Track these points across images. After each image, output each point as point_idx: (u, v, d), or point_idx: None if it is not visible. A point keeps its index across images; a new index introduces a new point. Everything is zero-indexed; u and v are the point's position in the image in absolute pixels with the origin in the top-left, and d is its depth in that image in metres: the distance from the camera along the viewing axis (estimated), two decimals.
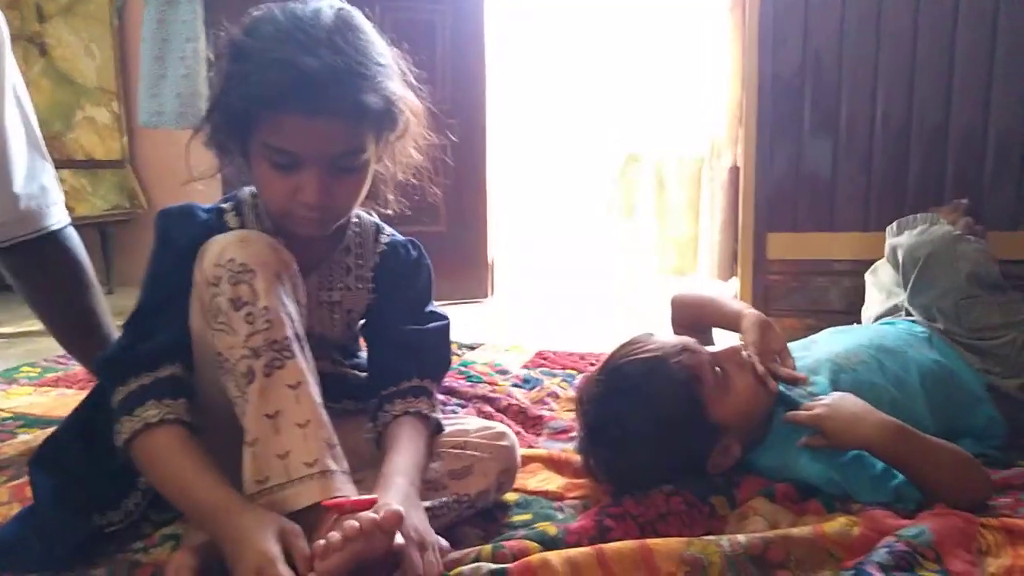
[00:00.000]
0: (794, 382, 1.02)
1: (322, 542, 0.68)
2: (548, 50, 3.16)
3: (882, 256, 1.82)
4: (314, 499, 0.74)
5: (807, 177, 1.99)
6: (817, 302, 1.99)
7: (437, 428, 0.94)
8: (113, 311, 1.31)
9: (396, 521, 0.70)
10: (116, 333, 1.30)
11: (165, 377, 0.82)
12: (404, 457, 0.86)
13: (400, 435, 0.89)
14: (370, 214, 1.04)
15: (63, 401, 1.55)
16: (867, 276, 1.58)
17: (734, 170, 2.48)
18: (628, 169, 3.11)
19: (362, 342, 1.07)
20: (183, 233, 0.89)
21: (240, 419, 0.78)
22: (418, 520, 0.78)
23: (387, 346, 0.99)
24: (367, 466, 0.91)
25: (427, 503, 0.85)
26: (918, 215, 1.38)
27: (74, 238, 1.28)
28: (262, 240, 0.84)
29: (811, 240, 2.00)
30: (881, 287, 1.49)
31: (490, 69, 2.86)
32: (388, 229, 1.04)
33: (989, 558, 0.79)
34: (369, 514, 0.69)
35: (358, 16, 0.86)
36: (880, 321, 1.36)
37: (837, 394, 0.99)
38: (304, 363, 0.80)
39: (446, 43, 2.75)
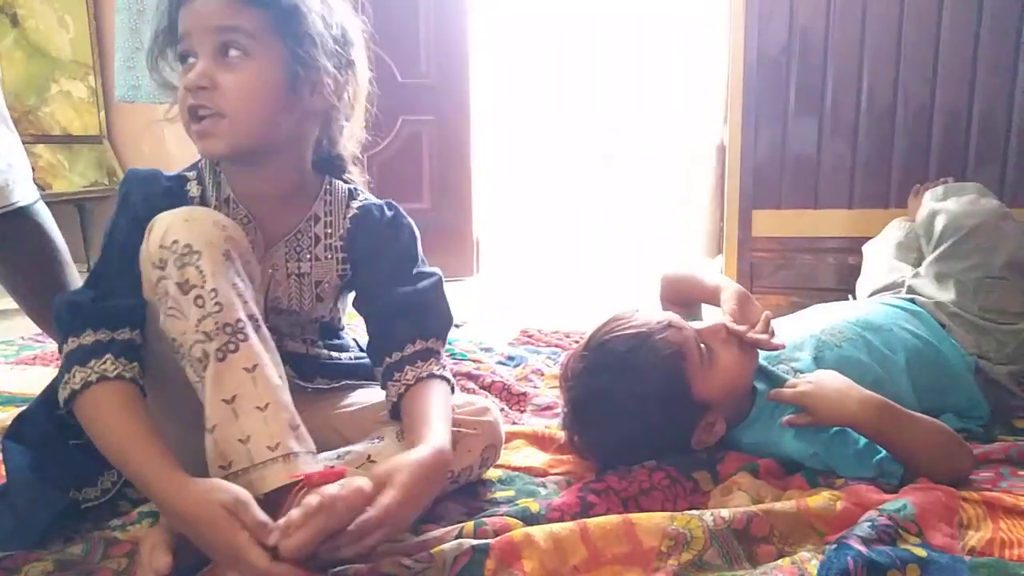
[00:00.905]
0: (771, 349, 1.02)
1: (283, 521, 0.66)
2: (535, 24, 3.13)
3: (866, 233, 1.84)
4: (280, 482, 0.73)
5: (792, 154, 1.99)
6: (803, 279, 2.00)
7: (451, 386, 0.93)
8: None
9: (360, 496, 0.68)
10: None
11: (123, 340, 0.81)
12: (429, 411, 0.84)
13: (418, 399, 0.87)
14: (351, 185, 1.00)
15: (40, 379, 1.52)
16: (865, 248, 1.57)
17: (721, 148, 2.47)
18: (615, 145, 3.09)
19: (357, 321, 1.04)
20: (143, 198, 0.87)
21: (202, 402, 0.77)
22: (430, 492, 0.76)
23: (381, 314, 0.95)
24: (344, 443, 0.91)
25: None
26: (968, 183, 1.36)
27: (45, 214, 1.25)
28: (207, 217, 0.80)
29: (796, 217, 2.00)
30: (881, 259, 1.49)
31: (475, 44, 2.82)
32: (363, 194, 0.99)
33: (970, 531, 0.80)
34: (331, 488, 0.68)
35: None
36: (872, 298, 1.35)
37: (821, 371, 0.98)
38: (259, 344, 0.78)
39: (429, 16, 2.71)
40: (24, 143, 1.30)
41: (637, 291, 2.50)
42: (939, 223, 1.30)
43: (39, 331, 1.55)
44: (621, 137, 3.18)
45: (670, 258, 2.79)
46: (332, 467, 0.76)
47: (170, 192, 0.90)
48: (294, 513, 0.66)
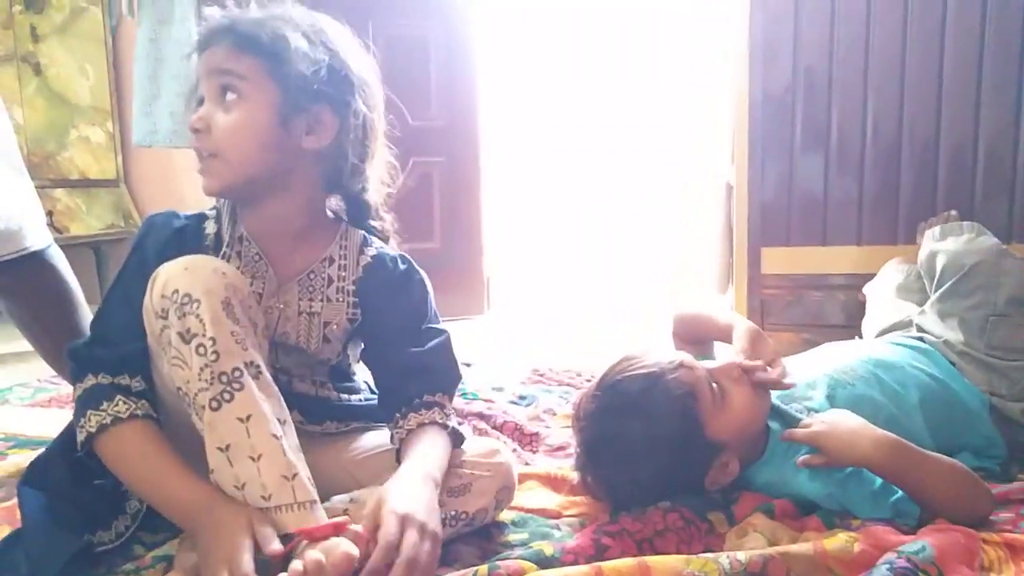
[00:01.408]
0: (781, 388, 1.02)
1: None
2: (544, 65, 3.18)
3: (875, 270, 1.84)
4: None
5: (799, 192, 2.00)
6: (813, 316, 1.99)
7: (456, 437, 0.94)
8: None
9: (347, 561, 0.70)
10: None
11: (125, 385, 0.84)
12: (417, 452, 0.87)
13: (415, 441, 0.89)
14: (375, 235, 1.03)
15: (56, 421, 1.53)
16: (866, 290, 1.57)
17: (729, 187, 2.49)
18: (623, 184, 3.11)
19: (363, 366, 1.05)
20: (154, 243, 0.91)
21: None
22: (421, 503, 0.77)
23: (390, 371, 0.98)
24: (357, 486, 0.91)
25: None
26: (964, 223, 1.37)
27: (58, 257, 1.27)
28: (207, 265, 0.82)
29: (805, 254, 2.01)
30: (886, 300, 1.49)
31: (484, 85, 2.87)
32: (377, 243, 1.02)
33: (992, 574, 0.79)
34: (316, 556, 0.69)
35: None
36: (882, 337, 1.35)
37: (834, 411, 0.98)
38: (256, 393, 0.79)
39: (439, 58, 2.77)
40: (43, 187, 1.33)
41: (649, 329, 2.50)
42: (939, 262, 1.30)
43: (55, 373, 1.56)
44: (629, 176, 3.20)
45: (681, 297, 2.79)
46: (336, 519, 0.77)
47: (182, 232, 0.93)
48: None
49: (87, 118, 3.05)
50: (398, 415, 0.94)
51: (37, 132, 2.85)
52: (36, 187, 1.30)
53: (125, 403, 0.81)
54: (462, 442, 0.95)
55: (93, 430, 0.80)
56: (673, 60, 2.82)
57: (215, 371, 0.77)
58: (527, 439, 1.35)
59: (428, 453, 0.87)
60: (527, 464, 1.21)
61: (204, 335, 0.78)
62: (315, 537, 0.72)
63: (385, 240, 1.03)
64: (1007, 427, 1.14)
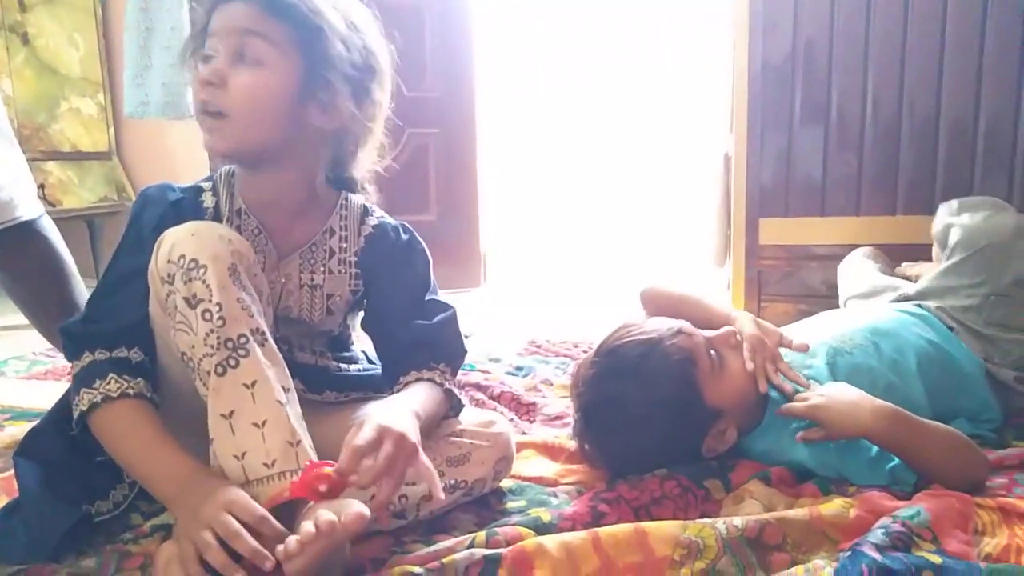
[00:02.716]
0: (793, 392, 1.01)
1: (281, 548, 0.67)
2: (542, 37, 3.14)
3: (874, 241, 1.83)
4: (271, 502, 0.74)
5: (798, 163, 1.99)
6: (810, 287, 1.99)
7: (454, 402, 0.94)
8: None
9: (360, 521, 0.69)
10: None
11: (122, 358, 0.83)
12: (405, 392, 0.88)
13: (406, 388, 0.90)
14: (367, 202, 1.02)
15: (52, 394, 1.53)
16: (840, 268, 1.57)
17: (727, 157, 2.47)
18: (621, 155, 3.09)
19: (363, 335, 1.05)
20: (150, 217, 0.89)
21: None
22: (401, 419, 0.78)
23: (395, 343, 0.97)
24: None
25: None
26: (984, 198, 1.36)
27: (50, 228, 1.26)
28: (213, 231, 0.81)
29: (803, 225, 2.00)
30: (868, 270, 1.49)
31: (480, 55, 2.84)
32: (377, 212, 1.01)
33: (985, 538, 0.79)
34: (328, 515, 0.69)
35: None
36: (879, 304, 1.35)
37: (831, 384, 0.98)
38: (262, 359, 0.78)
39: (434, 28, 2.73)
40: (34, 160, 1.32)
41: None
42: (953, 236, 1.29)
43: (50, 346, 1.55)
44: (627, 147, 3.18)
45: (677, 268, 2.79)
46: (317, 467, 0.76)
47: (179, 204, 0.92)
48: (291, 541, 0.67)
49: (78, 89, 3.00)
50: (401, 381, 0.94)
51: (27, 104, 2.81)
52: (27, 160, 1.29)
53: (117, 381, 0.81)
54: (460, 410, 0.95)
55: (84, 408, 0.80)
56: (672, 29, 2.78)
57: (221, 337, 0.77)
58: (524, 409, 1.35)
59: (414, 394, 0.88)
60: (524, 433, 1.22)
61: (210, 300, 0.77)
62: (297, 489, 0.73)
63: None
64: (1001, 392, 1.15)
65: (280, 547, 0.67)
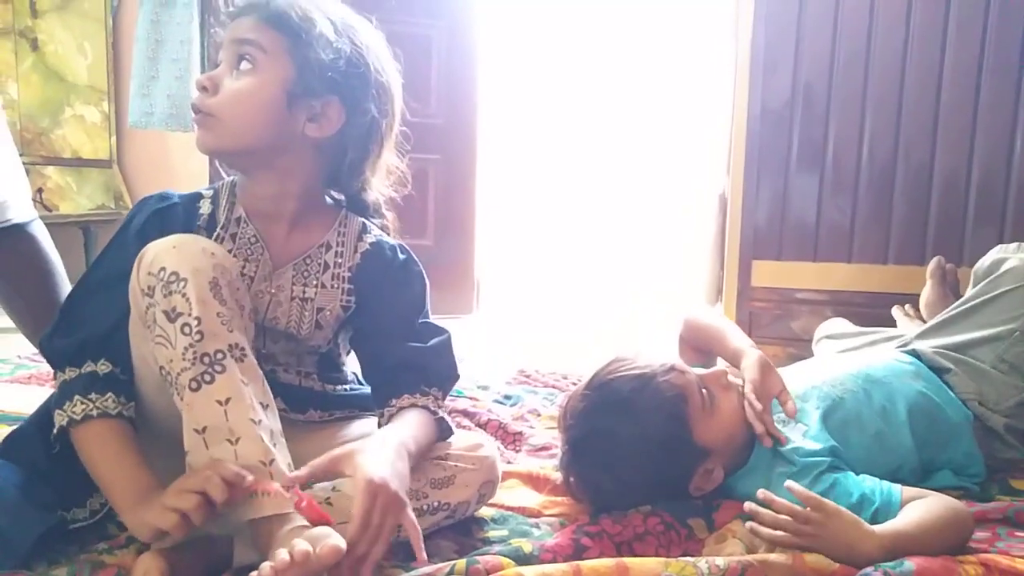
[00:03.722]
0: (781, 442, 1.00)
1: (254, 574, 0.67)
2: (544, 69, 3.18)
3: (865, 288, 1.85)
4: (242, 517, 0.74)
5: (793, 207, 2.01)
6: (801, 331, 2.00)
7: (444, 429, 0.93)
8: None
9: (334, 555, 0.69)
10: None
11: (88, 373, 0.83)
12: (397, 423, 0.87)
13: (399, 417, 0.89)
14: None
15: (36, 398, 1.51)
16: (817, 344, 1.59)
17: (723, 198, 2.49)
18: (617, 190, 3.12)
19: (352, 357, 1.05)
20: (137, 222, 0.91)
21: None
22: (391, 468, 0.77)
23: (386, 363, 0.96)
24: (340, 474, 0.90)
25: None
26: None
27: (42, 233, 1.26)
28: (196, 244, 0.81)
29: (795, 269, 2.02)
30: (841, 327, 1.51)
31: (483, 84, 2.87)
32: (376, 231, 1.01)
33: None
34: (304, 545, 0.68)
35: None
36: (872, 351, 1.35)
37: (828, 508, 0.85)
38: (239, 376, 0.78)
39: (442, 57, 2.77)
40: (35, 164, 1.32)
41: (636, 335, 2.50)
42: (1006, 266, 1.30)
43: (36, 351, 1.54)
44: (624, 182, 3.21)
45: (670, 305, 2.80)
46: (303, 480, 0.77)
47: (165, 212, 0.92)
48: (265, 567, 0.67)
49: (83, 97, 3.02)
50: (391, 404, 0.93)
51: (31, 108, 2.83)
52: (27, 163, 1.29)
53: (83, 403, 0.81)
54: (449, 435, 0.94)
55: (55, 432, 0.82)
56: (673, 68, 2.83)
57: (198, 351, 0.77)
58: (510, 438, 1.34)
59: (409, 425, 0.87)
60: (509, 463, 1.21)
61: (190, 314, 0.77)
62: (306, 512, 0.73)
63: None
64: (988, 441, 1.15)
65: (254, 574, 0.67)
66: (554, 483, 1.08)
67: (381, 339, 0.97)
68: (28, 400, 1.50)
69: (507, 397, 1.64)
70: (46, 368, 1.75)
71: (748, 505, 0.85)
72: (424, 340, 0.96)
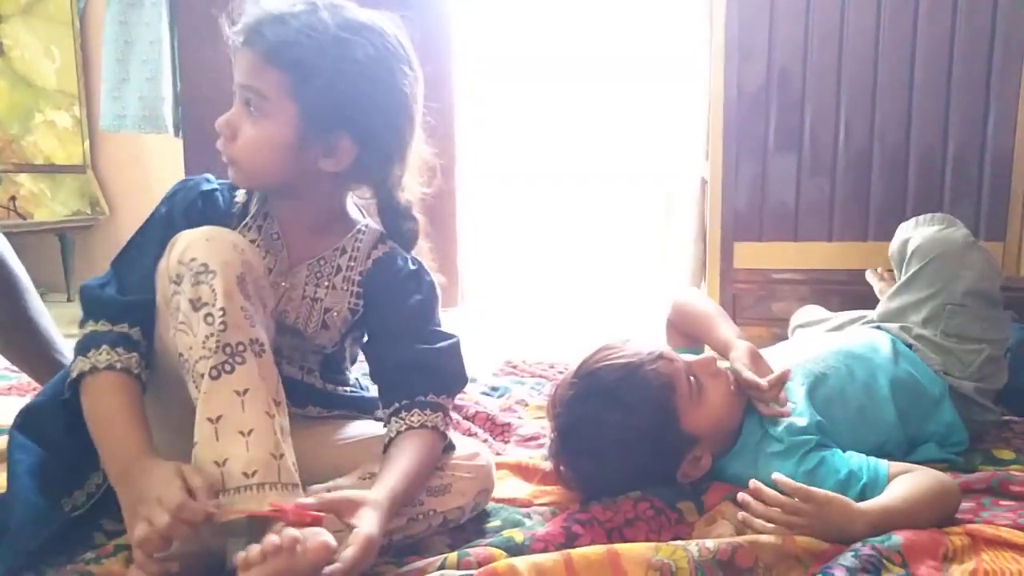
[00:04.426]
0: (782, 416, 1.01)
1: (242, 554, 0.68)
2: (520, 59, 3.17)
3: (846, 266, 1.87)
4: (247, 510, 0.74)
5: (772, 188, 2.02)
6: (784, 311, 2.01)
7: (448, 446, 0.93)
8: (73, 320, 1.26)
9: (324, 552, 0.69)
10: (59, 339, 1.28)
11: (120, 332, 0.84)
12: (408, 464, 0.85)
13: (410, 444, 0.88)
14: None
15: (15, 410, 1.49)
16: (792, 333, 1.61)
17: (703, 182, 2.50)
18: (599, 177, 3.12)
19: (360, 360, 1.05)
20: (182, 199, 0.93)
21: None
22: (371, 527, 0.75)
23: (395, 365, 0.95)
24: (337, 474, 0.90)
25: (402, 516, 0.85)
26: (937, 215, 1.39)
27: (2, 246, 1.23)
28: (227, 238, 0.83)
29: (777, 250, 2.03)
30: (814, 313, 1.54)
31: (459, 77, 2.86)
32: (393, 244, 1.00)
33: (954, 564, 0.80)
34: (293, 533, 0.68)
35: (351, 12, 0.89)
36: (848, 328, 1.37)
37: (817, 497, 0.84)
38: (256, 370, 0.79)
39: (416, 49, 2.74)
40: (6, 172, 1.29)
41: (621, 322, 2.51)
42: (909, 248, 1.33)
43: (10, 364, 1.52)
44: (605, 169, 3.21)
45: (655, 291, 2.81)
46: (312, 510, 0.74)
47: (210, 195, 0.95)
48: (253, 548, 0.67)
49: (53, 102, 2.98)
50: (399, 404, 0.92)
51: (0, 116, 2.78)
52: None
53: (109, 353, 0.82)
54: (452, 451, 0.94)
55: (74, 375, 0.82)
56: (651, 55, 2.83)
57: (220, 341, 0.78)
58: (499, 429, 1.34)
59: (415, 465, 0.86)
60: (499, 454, 1.21)
61: (214, 305, 0.78)
62: (289, 519, 0.71)
63: (411, 243, 1.01)
64: (965, 407, 1.17)
65: (241, 553, 0.68)
66: (544, 473, 1.08)
67: (389, 340, 0.97)
68: (6, 411, 1.48)
69: (494, 388, 1.64)
70: (26, 380, 1.72)
71: (741, 496, 0.85)
72: (433, 343, 0.96)
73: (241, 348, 0.78)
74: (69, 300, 2.84)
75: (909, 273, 1.30)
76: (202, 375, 0.77)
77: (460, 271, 2.97)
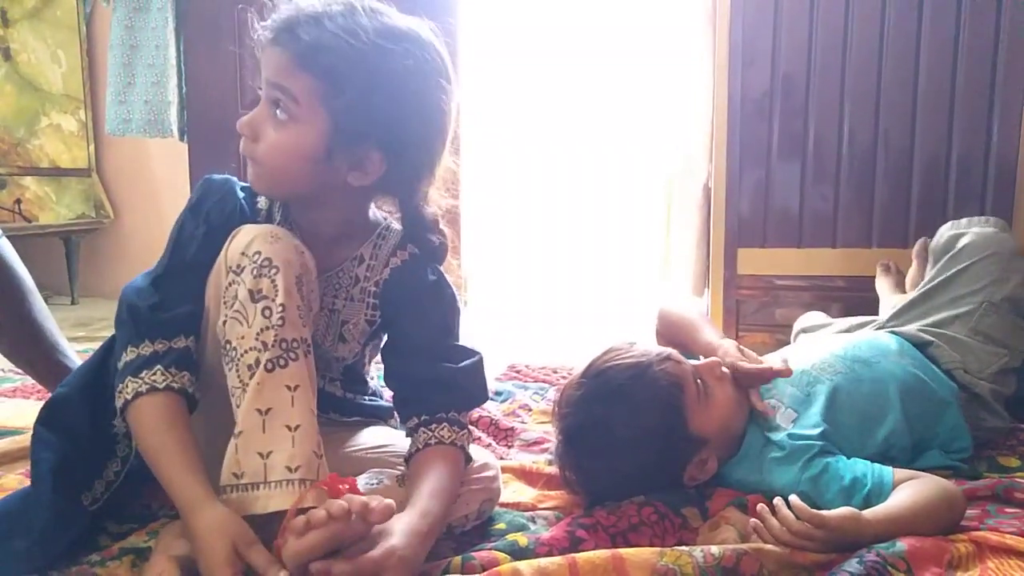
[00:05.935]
0: (785, 374, 1.03)
1: (302, 518, 0.68)
2: (524, 63, 3.18)
3: (850, 272, 1.87)
4: (284, 505, 0.73)
5: (776, 195, 2.02)
6: (787, 317, 2.01)
7: (467, 460, 0.93)
8: (77, 322, 1.27)
9: (387, 514, 0.71)
10: (63, 342, 1.28)
11: (179, 348, 0.83)
12: (440, 486, 0.84)
13: (438, 464, 0.87)
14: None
15: (20, 412, 1.50)
16: (795, 339, 1.61)
17: (707, 188, 2.50)
18: (603, 184, 3.12)
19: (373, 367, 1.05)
20: (218, 208, 0.90)
21: (235, 409, 0.78)
22: (406, 544, 0.74)
23: (416, 380, 0.93)
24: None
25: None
26: (991, 217, 1.43)
27: (6, 247, 1.24)
28: (290, 240, 0.84)
29: (780, 256, 2.03)
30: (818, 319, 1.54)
31: (464, 78, 2.86)
32: (414, 249, 0.96)
33: (959, 571, 0.80)
34: (361, 498, 0.70)
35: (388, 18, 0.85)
36: (855, 333, 1.36)
37: (830, 524, 0.82)
38: (307, 368, 0.80)
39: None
40: (12, 175, 1.30)
41: (624, 327, 2.51)
42: (962, 242, 1.35)
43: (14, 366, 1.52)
44: (609, 175, 3.21)
45: (667, 295, 2.81)
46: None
47: (240, 208, 0.92)
48: (317, 513, 0.68)
49: (59, 106, 2.99)
50: (424, 417, 0.90)
51: (6, 119, 2.79)
52: (4, 174, 1.27)
53: (163, 374, 0.81)
54: (469, 463, 0.94)
55: (129, 397, 0.80)
56: (656, 61, 2.83)
57: (279, 336, 0.78)
58: (502, 434, 1.34)
59: (448, 491, 0.85)
60: (502, 459, 1.21)
61: (275, 300, 0.79)
62: (338, 493, 0.73)
63: (440, 257, 0.98)
64: (975, 411, 1.16)
65: (300, 517, 0.69)
66: (548, 477, 1.08)
67: (410, 354, 0.94)
68: (11, 414, 1.49)
69: (498, 393, 1.64)
70: (30, 382, 1.73)
71: (760, 507, 0.85)
72: (455, 361, 0.94)
73: (295, 345, 0.79)
74: (73, 303, 2.85)
75: (957, 268, 1.31)
76: (249, 366, 0.77)
77: (463, 276, 2.97)
